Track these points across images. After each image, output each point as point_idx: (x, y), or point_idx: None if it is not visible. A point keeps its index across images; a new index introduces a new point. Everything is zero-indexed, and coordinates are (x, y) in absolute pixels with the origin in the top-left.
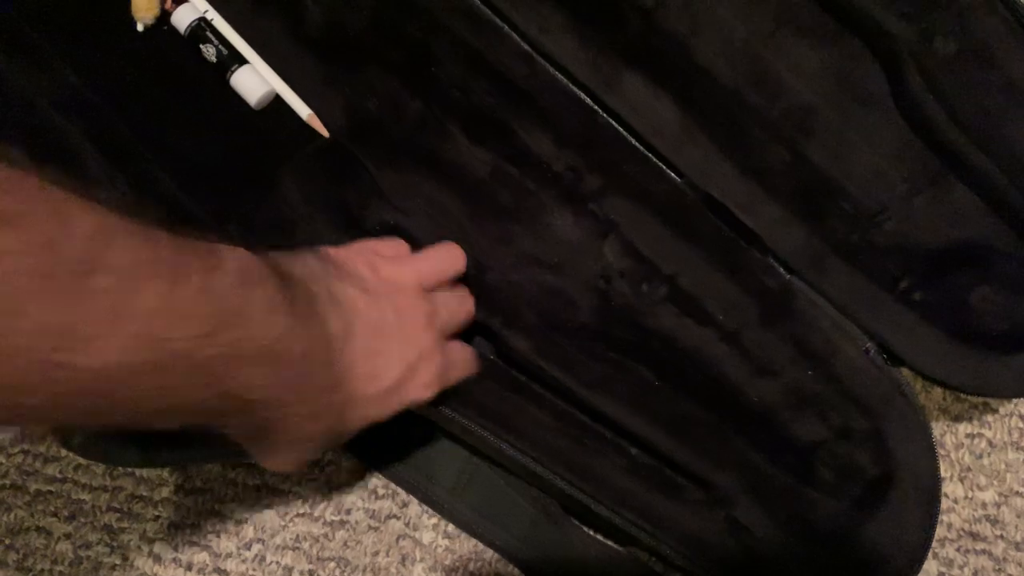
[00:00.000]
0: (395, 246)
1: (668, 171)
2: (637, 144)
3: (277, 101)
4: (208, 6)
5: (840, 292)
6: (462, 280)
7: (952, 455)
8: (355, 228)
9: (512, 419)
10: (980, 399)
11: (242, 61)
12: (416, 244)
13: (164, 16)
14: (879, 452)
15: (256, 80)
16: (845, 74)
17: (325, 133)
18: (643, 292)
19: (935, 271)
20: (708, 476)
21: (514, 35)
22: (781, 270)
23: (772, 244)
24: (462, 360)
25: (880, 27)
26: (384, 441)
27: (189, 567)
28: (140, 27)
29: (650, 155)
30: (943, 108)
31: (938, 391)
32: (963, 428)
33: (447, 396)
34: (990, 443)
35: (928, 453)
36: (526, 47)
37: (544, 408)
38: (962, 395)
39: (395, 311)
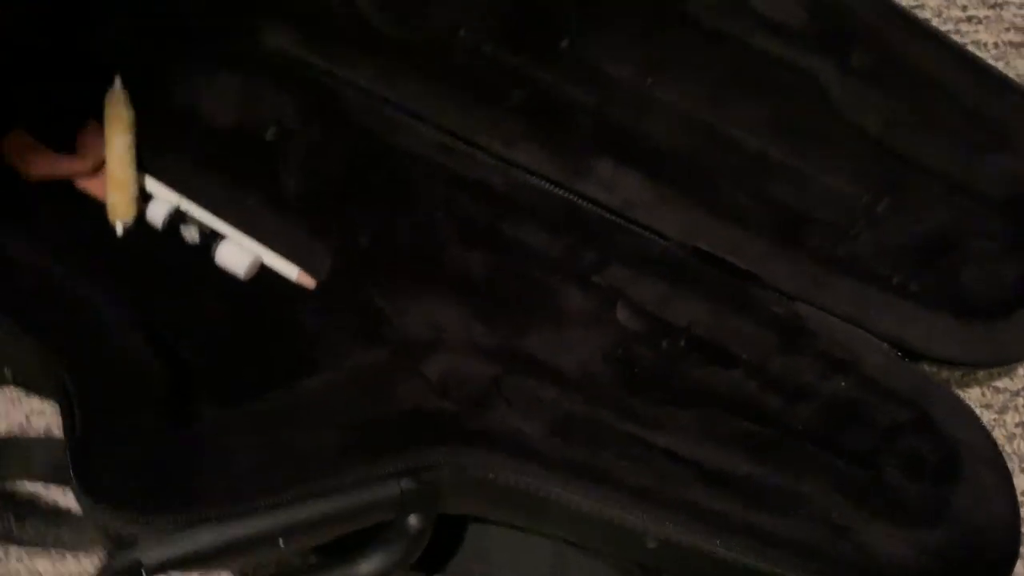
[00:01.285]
0: None
1: (654, 236)
2: (620, 219)
3: (265, 268)
4: (177, 196)
5: (843, 303)
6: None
7: (1007, 447)
8: (379, 347)
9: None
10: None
11: (221, 237)
12: (433, 359)
13: (141, 214)
14: (934, 436)
15: (239, 252)
16: (785, 116)
17: (312, 285)
18: (664, 349)
19: (922, 261)
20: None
21: (483, 154)
22: (784, 298)
23: (767, 277)
24: None
25: (798, 66)
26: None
27: None
28: (120, 229)
29: (634, 225)
30: (878, 118)
31: (975, 390)
32: (1011, 418)
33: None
34: None
35: (978, 427)
36: (496, 161)
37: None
38: (994, 379)
39: None
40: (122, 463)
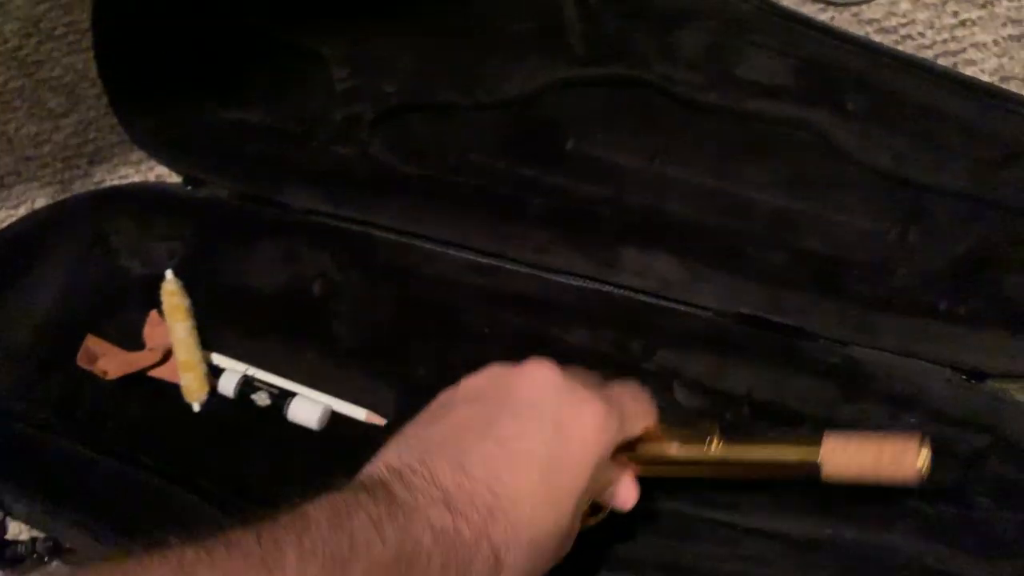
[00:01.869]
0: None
1: (693, 309)
2: (657, 301)
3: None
4: (244, 365)
5: (895, 339)
6: None
7: None
8: None
9: None
10: None
11: (291, 394)
12: None
13: (214, 388)
14: (1017, 457)
15: (309, 406)
16: (796, 170)
17: (382, 423)
18: (729, 420)
19: (963, 282)
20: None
21: (516, 266)
22: (836, 346)
23: (814, 329)
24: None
25: (797, 120)
26: None
27: None
28: (197, 407)
29: (672, 304)
30: (886, 154)
31: None
32: None
33: None
34: None
35: None
36: (530, 271)
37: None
38: None
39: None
40: None
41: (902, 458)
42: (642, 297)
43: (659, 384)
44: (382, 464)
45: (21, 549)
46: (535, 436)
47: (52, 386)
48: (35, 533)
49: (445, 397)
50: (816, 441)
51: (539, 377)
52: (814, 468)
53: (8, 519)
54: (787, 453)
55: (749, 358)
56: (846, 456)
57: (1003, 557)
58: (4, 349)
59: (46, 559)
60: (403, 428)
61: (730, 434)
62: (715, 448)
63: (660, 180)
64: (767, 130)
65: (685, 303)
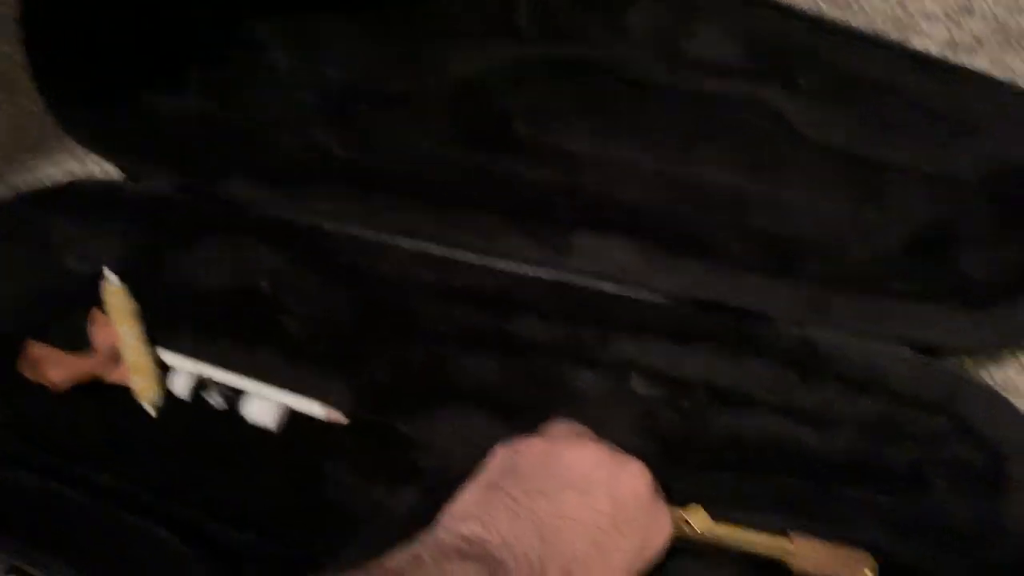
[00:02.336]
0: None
1: (649, 297)
2: (611, 289)
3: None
4: (196, 363)
5: (851, 320)
6: None
7: None
8: (408, 484)
9: None
10: None
11: (244, 394)
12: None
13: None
14: (974, 439)
15: (265, 405)
16: (749, 149)
17: (344, 421)
18: (687, 409)
19: (919, 260)
20: (849, 536)
21: (468, 255)
22: (792, 329)
23: (770, 312)
24: None
25: (748, 99)
26: None
27: None
28: (153, 412)
29: (627, 291)
30: (839, 131)
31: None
32: None
33: None
34: None
35: (1018, 420)
36: (483, 261)
37: None
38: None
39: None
40: None
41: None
42: (597, 285)
43: (616, 375)
44: (479, 533)
45: None
46: (628, 551)
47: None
48: None
49: (516, 461)
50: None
51: (637, 487)
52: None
53: None
54: (761, 544)
55: (706, 345)
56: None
57: (958, 551)
58: None
59: None
60: (482, 490)
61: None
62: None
63: (613, 164)
64: (719, 110)
65: (641, 288)
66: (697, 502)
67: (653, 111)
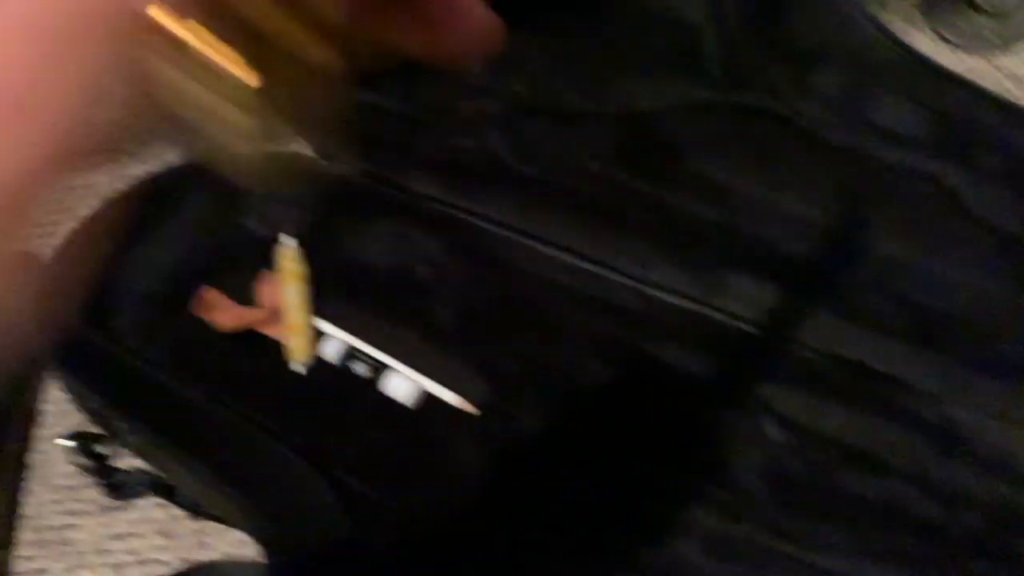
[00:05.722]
0: None
1: (794, 346)
2: (757, 331)
3: (430, 396)
4: (346, 334)
5: (994, 402)
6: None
7: None
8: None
9: None
10: None
11: (388, 369)
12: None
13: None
14: None
15: (405, 383)
16: (915, 219)
17: (475, 411)
18: (816, 461)
19: None
20: None
21: (618, 276)
22: (933, 401)
23: (913, 382)
24: None
25: (923, 171)
26: None
27: None
28: (302, 369)
29: (772, 337)
30: (1013, 217)
31: None
32: None
33: None
34: None
35: None
36: (632, 283)
37: None
38: None
39: None
40: None
41: None
42: (741, 325)
43: (750, 414)
44: None
45: (123, 477)
46: None
47: (169, 330)
48: (140, 465)
49: None
50: None
51: None
52: None
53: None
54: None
55: (844, 402)
56: None
57: None
58: (132, 292)
59: (144, 490)
60: None
61: None
62: None
63: (774, 211)
64: (891, 177)
65: (785, 338)
66: (814, 550)
67: (824, 167)
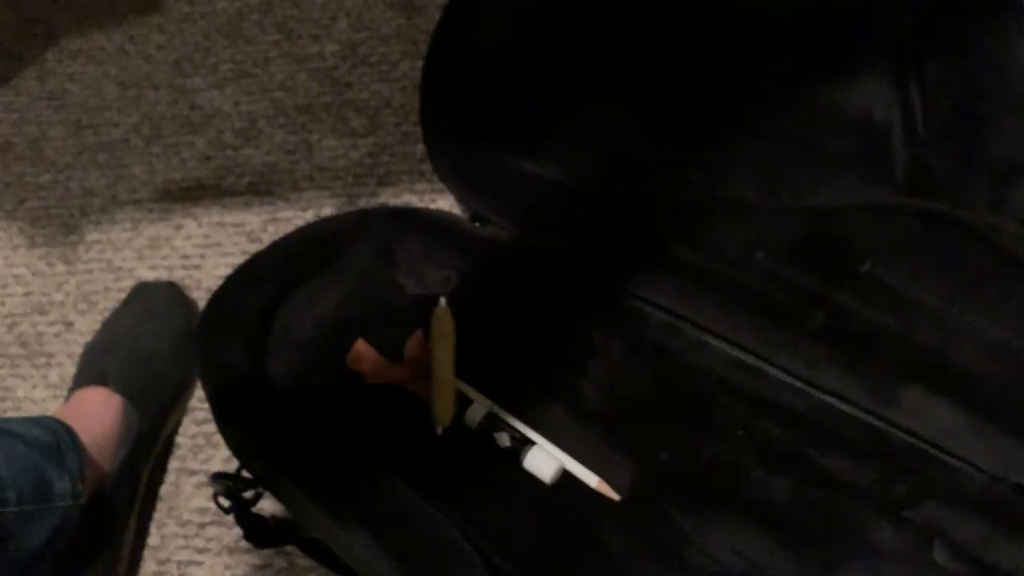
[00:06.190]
0: None
1: (970, 469)
2: (933, 450)
3: (567, 474)
4: (489, 401)
5: None
6: None
7: None
8: (676, 571)
9: None
10: None
11: (530, 442)
12: None
13: (458, 418)
14: None
15: (545, 458)
16: None
17: (615, 497)
18: None
19: None
20: None
21: (785, 376)
22: None
23: None
24: None
25: None
26: None
27: None
28: (439, 430)
29: (948, 457)
30: None
31: None
32: None
33: None
34: None
35: None
36: (799, 384)
37: None
38: None
39: None
40: None
41: None
42: (915, 441)
43: (919, 537)
44: None
45: (265, 524)
46: None
47: (321, 378)
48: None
49: None
50: None
51: None
52: None
53: (261, 496)
54: None
55: (1021, 534)
56: None
57: None
58: (286, 338)
59: (282, 541)
60: None
61: None
62: None
63: (956, 325)
64: None
65: (960, 458)
66: None
67: (1013, 284)
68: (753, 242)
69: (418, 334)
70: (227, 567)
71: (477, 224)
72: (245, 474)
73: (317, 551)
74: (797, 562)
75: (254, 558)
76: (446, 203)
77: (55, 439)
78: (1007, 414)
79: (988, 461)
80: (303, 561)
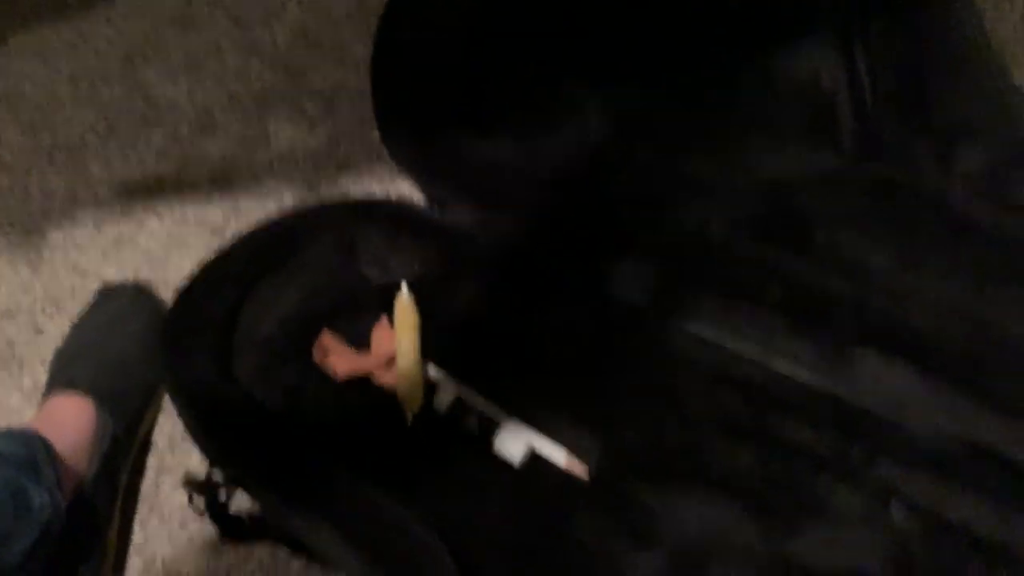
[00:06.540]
0: None
1: (926, 430)
2: (888, 413)
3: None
4: (457, 384)
5: None
6: None
7: None
8: (646, 551)
9: None
10: None
11: (498, 424)
12: (705, 561)
13: (427, 406)
14: None
15: (515, 440)
16: None
17: (584, 476)
18: (944, 551)
19: None
20: None
21: (743, 347)
22: None
23: None
24: None
25: None
26: None
27: None
28: (409, 418)
29: (903, 419)
30: None
31: None
32: None
33: None
34: None
35: None
36: (757, 357)
37: None
38: None
39: None
40: None
41: None
42: (871, 405)
43: (875, 497)
44: None
45: (239, 523)
46: None
47: (288, 376)
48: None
49: None
50: None
51: None
52: None
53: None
54: None
55: (977, 491)
56: None
57: None
58: (250, 336)
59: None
60: None
61: None
62: None
63: (909, 288)
64: None
65: (915, 420)
66: None
67: (965, 246)
68: (709, 217)
69: (383, 320)
70: (211, 560)
71: (438, 209)
72: (218, 476)
73: (296, 543)
74: (760, 529)
75: (237, 551)
76: (407, 186)
77: (31, 452)
78: (960, 374)
79: (942, 421)
80: (285, 552)
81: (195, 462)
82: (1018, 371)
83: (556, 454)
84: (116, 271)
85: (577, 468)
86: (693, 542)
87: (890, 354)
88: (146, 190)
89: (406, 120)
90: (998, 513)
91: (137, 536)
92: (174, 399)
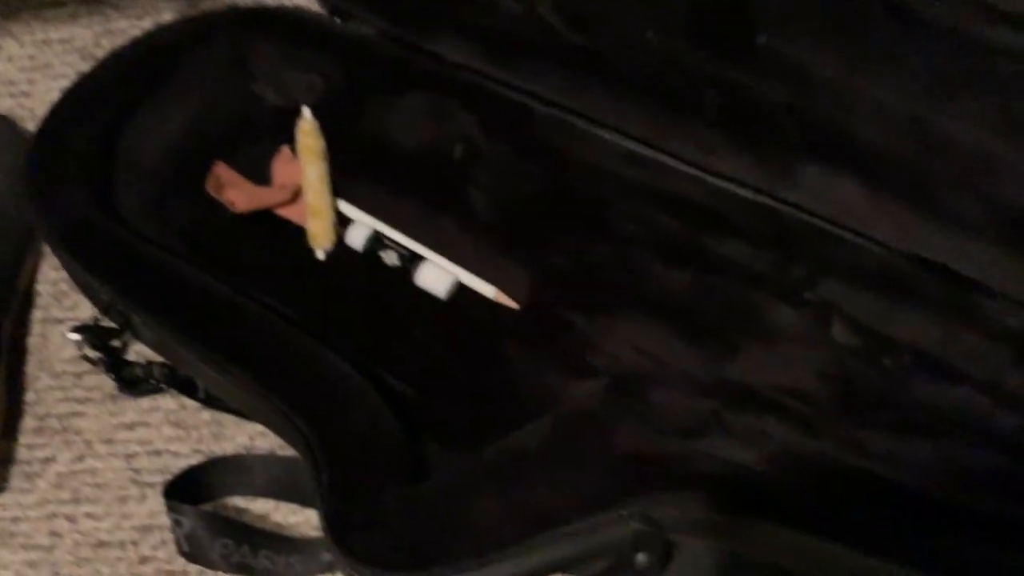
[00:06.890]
0: None
1: (870, 244)
2: (831, 228)
3: (463, 288)
4: (375, 221)
5: None
6: None
7: None
8: (580, 379)
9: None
10: None
11: (421, 258)
12: (643, 386)
13: (341, 239)
14: None
15: (438, 273)
16: (1012, 110)
17: (514, 305)
18: (886, 367)
19: None
20: None
21: (680, 164)
22: (1017, 307)
23: (997, 286)
24: None
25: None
26: None
27: None
28: (321, 255)
29: (847, 234)
30: None
31: None
32: None
33: None
34: None
35: None
36: (694, 172)
37: None
38: None
39: None
40: (375, 524)
41: None
42: (813, 220)
43: (817, 316)
44: None
45: (138, 372)
46: None
47: (180, 210)
48: (154, 358)
49: None
50: None
51: None
52: None
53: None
54: None
55: (920, 305)
56: None
57: None
58: (132, 167)
59: (161, 386)
60: None
61: None
62: None
63: (855, 96)
64: (989, 62)
65: (861, 236)
66: (885, 462)
67: (914, 48)
68: (644, 20)
69: (284, 150)
70: (112, 414)
71: (337, 20)
72: (107, 323)
73: (204, 393)
74: (698, 352)
75: (140, 402)
76: None
77: None
78: (908, 186)
79: (888, 235)
80: (194, 403)
81: (85, 313)
82: (968, 184)
83: (483, 286)
84: None
85: (505, 299)
86: (630, 367)
87: (836, 166)
88: None
89: None
90: (944, 327)
91: (28, 395)
92: (46, 238)
